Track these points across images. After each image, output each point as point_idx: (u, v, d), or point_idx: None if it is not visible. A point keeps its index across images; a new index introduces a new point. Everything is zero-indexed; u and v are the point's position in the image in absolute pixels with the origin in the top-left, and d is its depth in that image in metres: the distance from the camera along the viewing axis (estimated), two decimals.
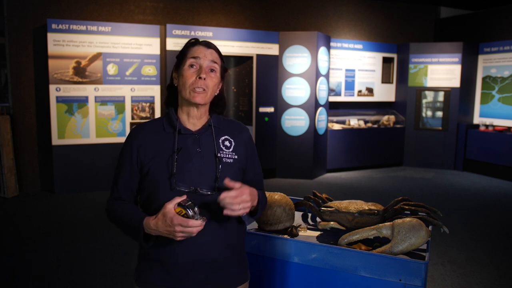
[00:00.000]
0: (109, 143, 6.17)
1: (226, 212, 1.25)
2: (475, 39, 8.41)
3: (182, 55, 1.41)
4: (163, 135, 1.40)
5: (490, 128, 7.72)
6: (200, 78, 1.36)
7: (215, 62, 1.40)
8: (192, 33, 6.54)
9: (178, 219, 1.21)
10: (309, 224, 2.00)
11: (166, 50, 6.48)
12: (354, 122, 8.26)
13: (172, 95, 1.48)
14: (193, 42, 1.42)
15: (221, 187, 1.36)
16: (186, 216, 1.22)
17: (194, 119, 1.43)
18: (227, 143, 1.45)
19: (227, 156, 1.42)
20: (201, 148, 1.39)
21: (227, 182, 1.28)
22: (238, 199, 1.25)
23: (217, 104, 1.49)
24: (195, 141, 1.40)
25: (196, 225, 1.21)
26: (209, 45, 1.41)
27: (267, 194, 1.88)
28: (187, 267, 1.34)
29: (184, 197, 1.26)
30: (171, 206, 1.23)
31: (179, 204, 1.24)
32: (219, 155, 1.40)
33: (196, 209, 1.23)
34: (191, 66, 1.37)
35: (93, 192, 6.05)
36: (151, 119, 1.48)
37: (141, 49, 6.28)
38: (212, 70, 1.39)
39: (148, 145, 1.39)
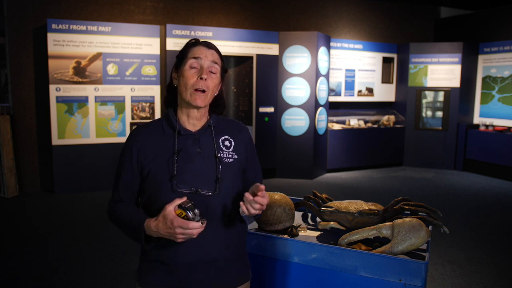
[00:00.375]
0: (109, 143, 6.17)
1: (242, 205, 1.30)
2: (475, 39, 8.41)
3: (182, 56, 1.41)
4: (163, 137, 1.40)
5: (490, 128, 7.72)
6: (201, 78, 1.35)
7: (216, 63, 1.40)
8: (192, 33, 6.54)
9: (178, 221, 1.21)
10: (309, 224, 2.00)
11: (166, 50, 6.48)
12: (354, 122, 8.26)
13: (172, 95, 1.47)
14: (194, 42, 1.42)
15: (222, 188, 1.36)
16: (187, 218, 1.22)
17: (194, 120, 1.43)
18: (227, 143, 1.45)
19: (227, 156, 1.42)
20: (201, 148, 1.39)
21: (261, 188, 1.31)
22: (262, 206, 1.31)
23: (216, 105, 1.48)
24: (195, 142, 1.40)
25: (196, 227, 1.22)
26: (209, 46, 1.41)
27: (268, 194, 1.88)
28: (188, 267, 1.35)
29: (184, 198, 1.26)
30: (171, 208, 1.23)
31: (179, 206, 1.24)
32: (219, 155, 1.40)
33: (196, 210, 1.24)
34: (192, 66, 1.37)
35: (93, 192, 6.05)
36: (150, 121, 1.48)
37: (141, 49, 6.28)
38: (212, 71, 1.39)
39: (148, 147, 1.38)
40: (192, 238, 1.25)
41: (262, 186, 1.31)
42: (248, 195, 1.29)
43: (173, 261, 1.34)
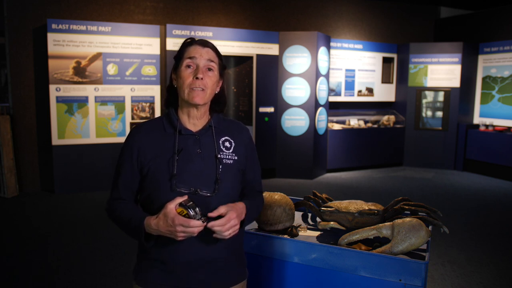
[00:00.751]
0: (109, 143, 6.17)
1: (216, 236, 1.29)
2: (475, 39, 8.41)
3: (179, 56, 1.41)
4: (164, 136, 1.40)
5: (490, 128, 7.72)
6: (197, 78, 1.35)
7: (212, 61, 1.39)
8: (192, 33, 6.54)
9: (179, 219, 1.21)
10: (309, 224, 2.00)
11: (166, 50, 6.48)
12: (354, 122, 8.26)
13: (172, 96, 1.47)
14: (189, 42, 1.42)
15: (221, 189, 1.36)
16: (188, 216, 1.23)
17: (194, 119, 1.43)
18: (227, 144, 1.45)
19: (227, 157, 1.42)
20: (201, 149, 1.39)
21: (214, 214, 1.28)
22: (226, 226, 1.27)
23: (217, 102, 1.48)
24: (196, 142, 1.40)
25: (197, 225, 1.22)
26: (205, 44, 1.40)
27: (267, 194, 1.88)
28: (187, 266, 1.35)
29: (185, 197, 1.27)
30: (172, 206, 1.24)
31: (180, 204, 1.25)
32: (219, 156, 1.40)
33: (197, 209, 1.25)
34: (188, 66, 1.37)
35: (93, 192, 6.05)
36: (150, 119, 1.48)
37: (141, 49, 6.28)
38: (209, 69, 1.38)
39: (149, 146, 1.38)
40: (192, 236, 1.26)
41: (216, 212, 1.29)
42: (209, 224, 1.27)
43: (172, 260, 1.35)
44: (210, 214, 1.28)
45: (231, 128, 1.49)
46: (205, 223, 1.24)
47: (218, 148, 1.42)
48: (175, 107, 1.46)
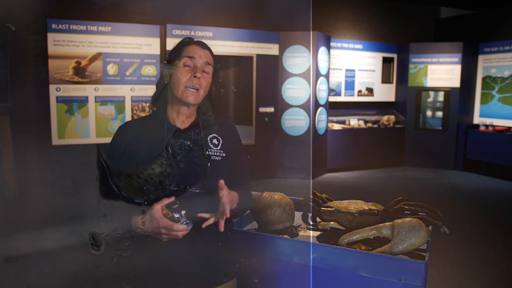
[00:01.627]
0: (109, 143, 6.16)
1: (205, 218, 1.30)
2: (475, 39, 8.41)
3: (176, 53, 1.42)
4: (152, 133, 1.41)
5: (490, 128, 7.72)
6: (195, 77, 1.37)
7: (209, 64, 1.42)
8: (192, 33, 6.54)
9: (164, 222, 1.22)
10: (309, 224, 2.00)
11: (166, 50, 6.48)
12: (354, 122, 8.26)
13: (161, 92, 1.48)
14: (188, 41, 1.44)
15: (210, 185, 1.37)
16: (172, 219, 1.23)
17: (183, 117, 1.44)
18: (215, 141, 1.46)
19: (216, 154, 1.43)
20: (190, 146, 1.40)
21: (221, 183, 1.30)
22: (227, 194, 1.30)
23: (205, 106, 1.49)
24: (184, 139, 1.41)
25: (180, 229, 1.23)
26: (204, 46, 1.43)
27: (267, 194, 1.88)
28: (174, 266, 1.36)
29: (172, 198, 1.27)
30: (158, 207, 1.24)
31: (166, 206, 1.24)
32: (207, 153, 1.41)
33: (182, 212, 1.24)
34: (186, 65, 1.38)
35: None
36: (139, 117, 1.49)
37: (141, 49, 6.28)
38: (205, 71, 1.40)
39: (137, 143, 1.39)
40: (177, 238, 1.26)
41: (221, 181, 1.31)
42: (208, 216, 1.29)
43: (159, 260, 1.35)
44: (220, 183, 1.29)
45: (218, 126, 1.51)
46: (190, 228, 1.24)
47: (206, 145, 1.43)
48: (164, 104, 1.46)
